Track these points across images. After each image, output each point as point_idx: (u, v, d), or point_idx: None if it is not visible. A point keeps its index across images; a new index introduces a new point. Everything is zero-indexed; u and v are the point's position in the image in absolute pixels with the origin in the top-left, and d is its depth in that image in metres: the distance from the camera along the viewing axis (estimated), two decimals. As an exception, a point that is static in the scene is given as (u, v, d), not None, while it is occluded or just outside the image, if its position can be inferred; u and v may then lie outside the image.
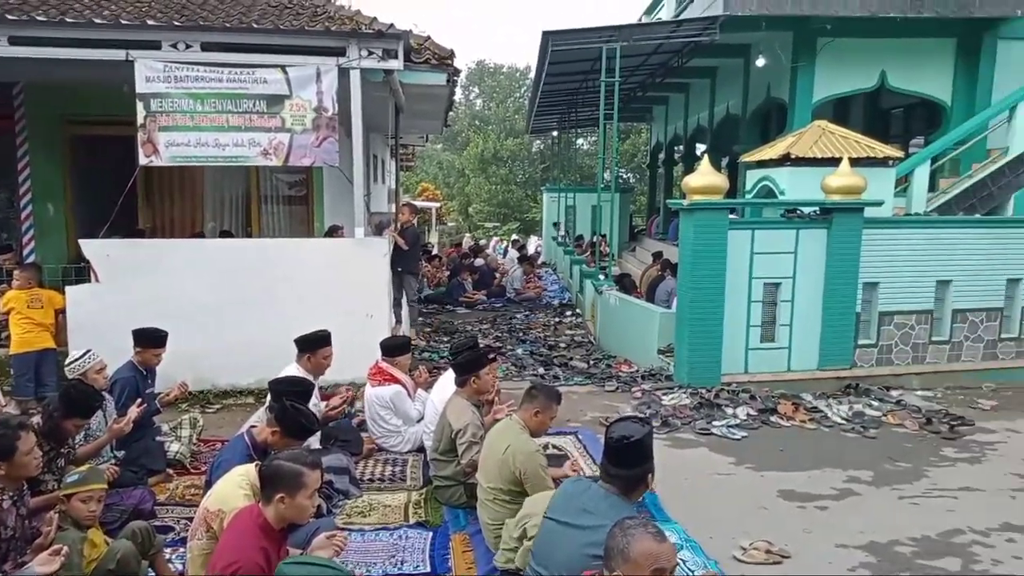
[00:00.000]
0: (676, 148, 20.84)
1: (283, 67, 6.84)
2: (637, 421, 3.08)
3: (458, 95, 47.72)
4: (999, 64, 10.79)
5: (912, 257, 8.08)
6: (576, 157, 33.34)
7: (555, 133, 23.48)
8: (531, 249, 28.22)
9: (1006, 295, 8.39)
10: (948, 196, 10.30)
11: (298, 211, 10.23)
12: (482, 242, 24.80)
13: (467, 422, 4.40)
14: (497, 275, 16.21)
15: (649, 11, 16.20)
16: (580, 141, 37.11)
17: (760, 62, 11.28)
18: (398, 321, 8.90)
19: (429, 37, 7.79)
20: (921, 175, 10.01)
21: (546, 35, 9.85)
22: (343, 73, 6.95)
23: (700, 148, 20.78)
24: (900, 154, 9.23)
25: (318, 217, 10.08)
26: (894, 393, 7.55)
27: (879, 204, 7.86)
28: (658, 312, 8.68)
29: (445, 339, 10.53)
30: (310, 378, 4.77)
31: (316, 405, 4.83)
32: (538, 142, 38.93)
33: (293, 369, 4.98)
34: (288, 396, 3.81)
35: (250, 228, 10.18)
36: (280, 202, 10.22)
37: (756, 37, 10.99)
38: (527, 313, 13.70)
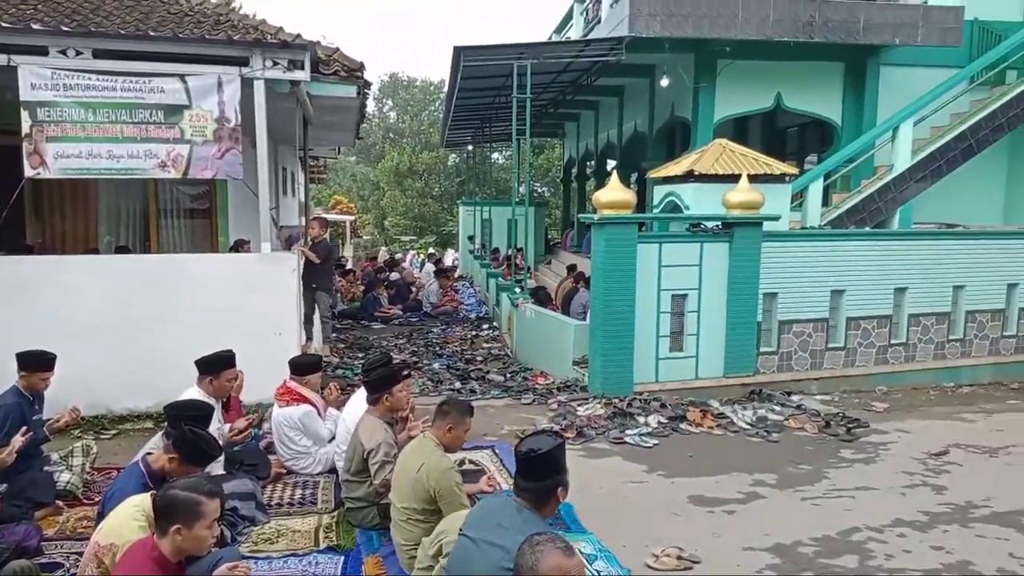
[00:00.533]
0: (588, 163, 21.29)
1: (182, 76, 6.57)
2: (550, 434, 3.10)
3: (371, 107, 47.24)
4: (882, 87, 11.59)
5: (808, 268, 8.52)
6: (492, 171, 33.55)
7: (470, 147, 23.57)
8: (448, 262, 28.15)
9: (894, 303, 8.95)
10: (840, 210, 10.93)
11: (201, 225, 9.83)
12: (398, 256, 24.53)
13: (379, 441, 4.31)
14: (413, 289, 16.07)
15: (559, 29, 16.56)
16: (496, 155, 37.39)
17: (664, 82, 11.69)
18: (309, 338, 8.67)
19: (338, 49, 7.66)
20: (815, 191, 10.59)
21: (458, 51, 9.89)
22: (247, 83, 6.74)
23: (611, 164, 21.34)
24: (795, 171, 9.73)
25: (222, 231, 9.71)
26: (795, 398, 7.92)
27: (776, 218, 8.25)
28: (572, 324, 8.81)
29: (360, 355, 10.32)
30: (211, 401, 4.56)
31: (219, 428, 4.62)
32: (454, 156, 38.96)
33: (194, 392, 4.76)
34: (186, 420, 3.63)
35: (149, 243, 9.70)
36: (182, 216, 9.79)
37: (660, 58, 11.38)
38: (444, 327, 13.63)
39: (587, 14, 13.39)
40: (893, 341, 8.92)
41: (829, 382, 8.54)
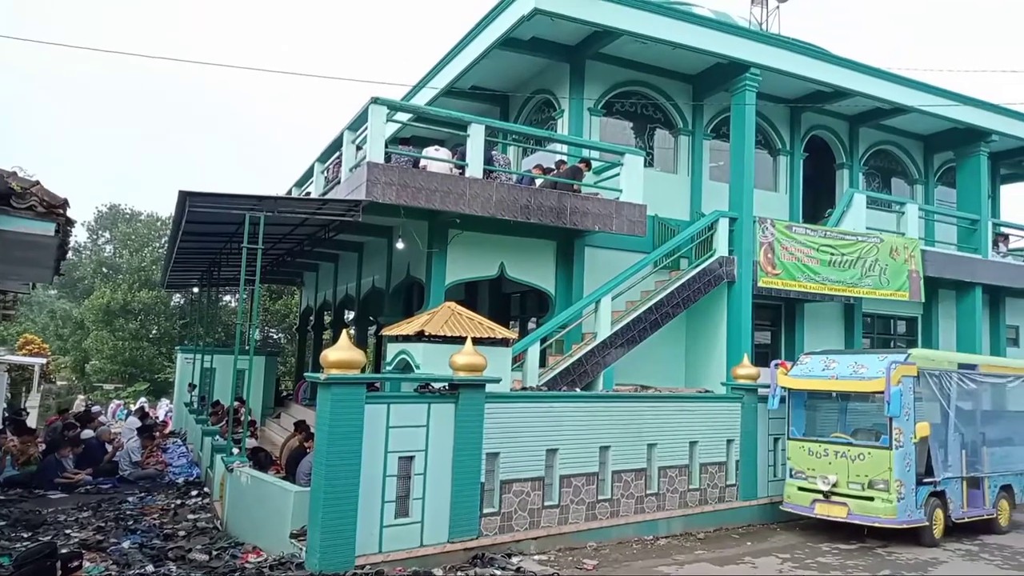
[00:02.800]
0: (326, 313, 21.02)
1: None
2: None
3: (84, 238, 42.74)
4: (587, 265, 13.25)
5: (527, 428, 9.02)
6: (222, 314, 31.57)
7: (196, 289, 22.06)
8: (160, 415, 25.21)
9: (599, 460, 9.75)
10: (555, 372, 11.90)
11: None
12: (95, 408, 21.36)
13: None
14: (110, 448, 14.00)
15: (300, 183, 16.72)
16: (228, 297, 35.41)
17: (400, 246, 12.21)
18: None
19: (38, 182, 6.89)
20: (533, 353, 11.46)
21: (183, 195, 9.45)
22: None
23: (349, 315, 21.29)
24: (515, 335, 10.50)
25: None
26: (515, 560, 8.05)
27: (497, 381, 8.72)
28: (292, 491, 8.21)
29: (25, 536, 8.54)
30: None
31: None
32: (178, 296, 36.13)
33: None
34: None
35: None
36: None
37: (398, 221, 11.94)
38: (143, 495, 11.93)
39: (328, 173, 13.74)
40: (600, 497, 9.62)
41: (546, 541, 8.85)
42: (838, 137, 17.70)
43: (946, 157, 19.17)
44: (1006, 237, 19.00)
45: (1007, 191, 21.84)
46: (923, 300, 15.93)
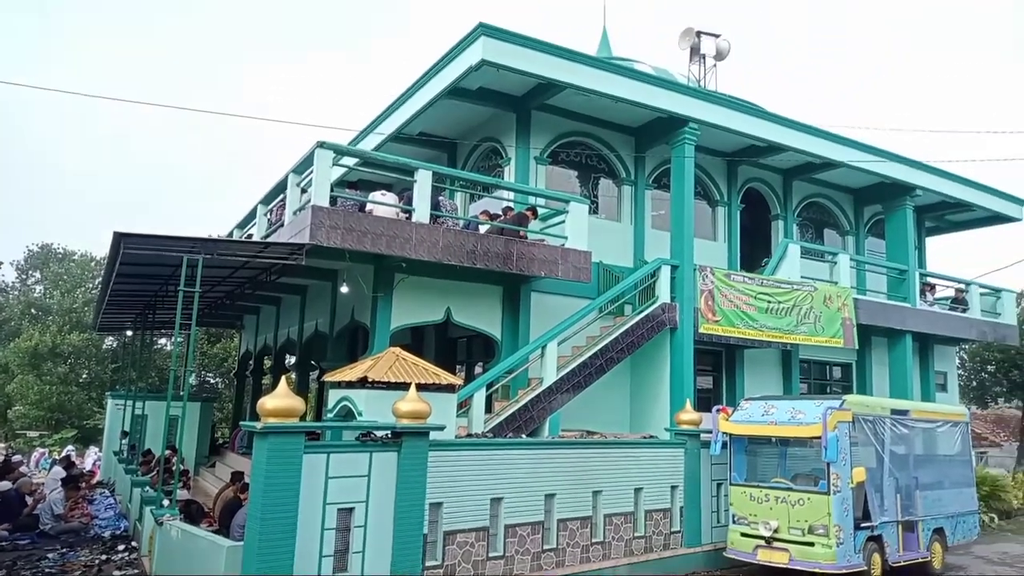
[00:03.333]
0: (266, 358, 20.50)
1: None
2: None
3: (11, 278, 40.94)
4: (533, 310, 13.31)
5: (471, 476, 8.89)
6: (157, 358, 30.43)
7: (130, 332, 21.26)
8: (88, 464, 23.99)
9: (545, 508, 9.65)
10: (501, 418, 11.81)
11: None
12: (16, 458, 20.18)
13: None
14: (30, 500, 13.21)
15: (242, 225, 16.45)
16: (163, 340, 34.19)
17: (344, 289, 12.06)
18: None
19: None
20: (479, 399, 11.37)
21: (118, 236, 9.18)
22: None
23: (291, 360, 20.81)
24: (461, 381, 10.42)
25: None
26: (457, 614, 7.84)
27: (441, 428, 8.60)
28: (225, 545, 7.86)
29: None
30: None
31: None
32: (111, 338, 34.74)
33: None
34: None
35: None
36: None
37: (343, 265, 11.82)
38: (65, 550, 11.25)
39: (271, 216, 13.56)
40: (545, 546, 9.50)
41: (490, 593, 8.67)
42: (773, 189, 18.42)
43: (875, 210, 20.12)
44: (932, 287, 19.93)
45: (932, 243, 22.98)
46: (856, 347, 16.49)
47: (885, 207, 19.10)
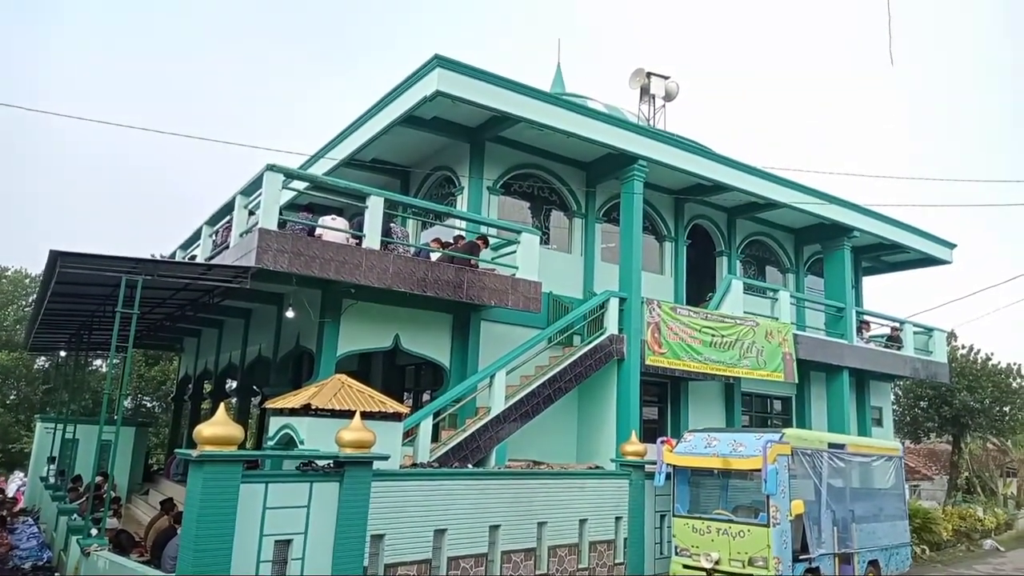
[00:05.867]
0: (206, 382, 19.93)
1: None
2: None
3: (-62, 295, 38.92)
4: (483, 339, 13.31)
5: (415, 507, 8.78)
6: (91, 380, 29.28)
7: (63, 353, 20.44)
8: (11, 491, 22.81)
9: (489, 540, 9.57)
10: (448, 447, 11.71)
11: None
12: (-69, 484, 19.06)
13: None
14: (-56, 531, 12.47)
15: (185, 246, 16.08)
16: (99, 362, 32.92)
17: (290, 314, 11.88)
18: None
19: None
20: (426, 427, 11.25)
21: (54, 255, 8.89)
22: None
23: (232, 385, 20.27)
24: (407, 409, 10.30)
25: None
26: (396, 650, 7.67)
27: (385, 458, 8.47)
28: (154, 578, 7.58)
29: None
30: None
31: None
32: (43, 358, 33.30)
33: None
34: None
35: None
36: None
37: (289, 289, 11.65)
38: (-21, 584, 10.62)
39: (216, 237, 13.30)
40: (489, 579, 9.40)
41: (431, 628, 8.51)
42: (718, 227, 18.94)
43: (815, 249, 20.84)
44: (868, 324, 20.67)
45: (869, 282, 23.88)
46: (796, 381, 16.94)
47: (824, 247, 19.81)
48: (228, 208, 12.06)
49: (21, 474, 25.32)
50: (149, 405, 34.99)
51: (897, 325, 20.85)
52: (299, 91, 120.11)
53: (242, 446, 7.47)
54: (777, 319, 16.95)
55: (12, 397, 34.08)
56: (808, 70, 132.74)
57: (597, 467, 12.71)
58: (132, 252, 11.08)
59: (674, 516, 11.45)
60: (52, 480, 16.35)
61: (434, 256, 12.40)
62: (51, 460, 17.05)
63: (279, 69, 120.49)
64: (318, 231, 11.05)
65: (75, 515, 11.39)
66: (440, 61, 12.11)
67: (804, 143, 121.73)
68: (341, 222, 11.53)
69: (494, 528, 9.65)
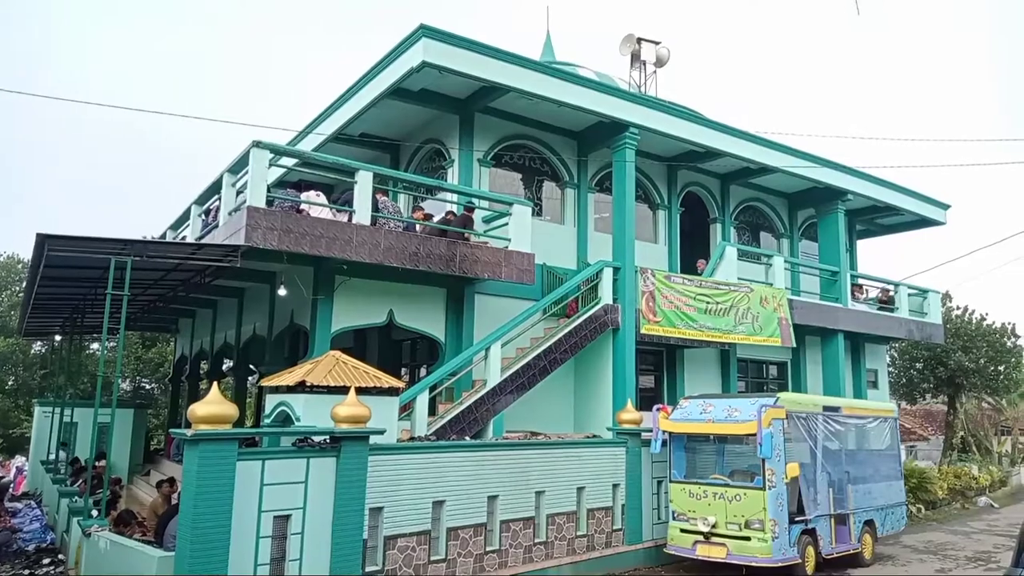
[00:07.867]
0: (203, 362, 19.94)
1: None
2: None
3: (-70, 282, 38.72)
4: (477, 312, 13.29)
5: (413, 480, 8.82)
6: (88, 364, 29.28)
7: (58, 337, 20.41)
8: (11, 474, 22.97)
9: (487, 510, 9.64)
10: (444, 420, 11.75)
11: None
12: (-68, 470, 19.15)
13: None
14: (-54, 516, 12.54)
15: (175, 226, 15.95)
16: (95, 346, 32.90)
17: (282, 292, 11.82)
18: None
19: None
20: (422, 401, 11.28)
21: (41, 238, 8.80)
22: None
23: (228, 364, 20.27)
24: (403, 384, 10.32)
25: None
26: (397, 620, 7.76)
27: (381, 432, 8.49)
28: (156, 556, 7.58)
29: None
30: None
31: None
32: (40, 343, 33.29)
33: None
34: None
35: None
36: None
37: (280, 267, 11.58)
38: (-17, 567, 10.69)
39: (206, 217, 13.19)
40: (488, 548, 9.49)
41: (431, 597, 8.61)
42: (711, 193, 18.85)
43: (808, 213, 20.78)
44: (862, 287, 20.69)
45: (863, 245, 23.86)
46: (794, 345, 16.99)
47: (818, 211, 19.75)
48: (216, 187, 11.95)
49: (23, 458, 25.45)
50: (148, 387, 35.05)
51: (891, 288, 20.88)
52: (280, 67, 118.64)
53: (241, 424, 7.48)
54: (771, 285, 16.95)
55: (10, 383, 34.12)
56: (801, 33, 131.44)
57: (594, 436, 12.77)
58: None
59: (671, 482, 11.55)
60: (57, 463, 16.37)
61: (418, 228, 12.29)
62: (61, 445, 16.97)
63: (259, 47, 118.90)
64: (303, 207, 10.96)
65: (75, 497, 11.44)
66: (425, 31, 11.92)
67: (798, 108, 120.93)
68: (322, 198, 11.42)
69: (492, 498, 9.72)
